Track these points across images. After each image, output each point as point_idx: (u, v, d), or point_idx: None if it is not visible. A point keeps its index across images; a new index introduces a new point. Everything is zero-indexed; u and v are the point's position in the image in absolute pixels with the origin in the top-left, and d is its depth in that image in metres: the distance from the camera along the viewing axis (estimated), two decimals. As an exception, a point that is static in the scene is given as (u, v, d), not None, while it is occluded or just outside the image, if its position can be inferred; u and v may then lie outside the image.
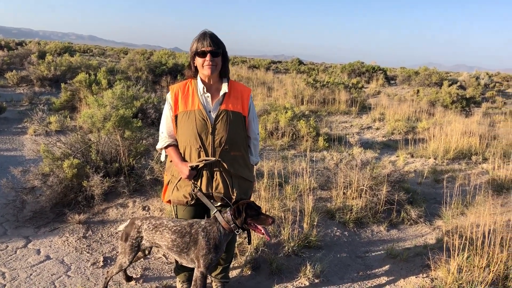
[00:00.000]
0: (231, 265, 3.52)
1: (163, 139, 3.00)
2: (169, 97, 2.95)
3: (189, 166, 2.82)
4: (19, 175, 4.90)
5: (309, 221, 4.34)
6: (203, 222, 2.90)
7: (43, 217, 4.57)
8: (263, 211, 2.92)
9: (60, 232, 4.27)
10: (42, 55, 16.07)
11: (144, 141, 5.45)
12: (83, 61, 14.22)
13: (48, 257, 3.83)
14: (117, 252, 3.94)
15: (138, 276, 3.59)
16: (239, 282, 3.57)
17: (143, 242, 3.00)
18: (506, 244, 3.49)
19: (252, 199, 4.34)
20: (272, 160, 6.20)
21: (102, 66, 14.11)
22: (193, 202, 2.94)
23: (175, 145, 2.98)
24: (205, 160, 2.81)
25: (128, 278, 3.47)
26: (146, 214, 4.65)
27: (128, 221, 3.13)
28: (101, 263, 3.77)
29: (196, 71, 2.90)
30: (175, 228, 2.89)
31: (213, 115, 2.83)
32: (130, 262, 3.06)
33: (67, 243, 4.07)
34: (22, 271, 3.57)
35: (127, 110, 5.07)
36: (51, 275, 3.54)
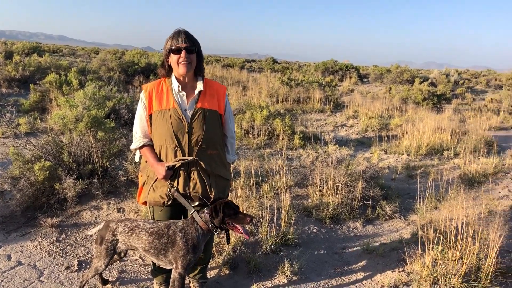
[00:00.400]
0: (209, 265, 3.49)
1: (138, 139, 2.94)
2: (142, 96, 2.88)
3: (166, 166, 2.77)
4: (-13, 179, 4.73)
5: (286, 219, 4.35)
6: (180, 222, 2.86)
7: (13, 222, 4.43)
8: (241, 210, 2.90)
9: (32, 237, 4.15)
10: (9, 55, 15.61)
11: (117, 142, 5.35)
12: (53, 61, 13.87)
13: (19, 263, 3.72)
14: (92, 256, 3.85)
15: (114, 279, 3.53)
16: (217, 282, 3.54)
17: (119, 245, 2.95)
18: (478, 237, 3.57)
19: (229, 198, 4.32)
20: (249, 159, 6.20)
21: (73, 66, 13.79)
22: (170, 202, 2.90)
23: (150, 145, 2.92)
24: (182, 159, 2.77)
25: (104, 282, 3.40)
26: (121, 216, 4.57)
27: (102, 224, 3.06)
28: (76, 267, 3.68)
29: (170, 69, 2.85)
30: (152, 229, 2.85)
31: (189, 114, 2.79)
32: (106, 266, 3.00)
33: (40, 248, 3.96)
34: (-7, 278, 3.45)
35: (100, 110, 4.96)
36: (23, 281, 3.43)
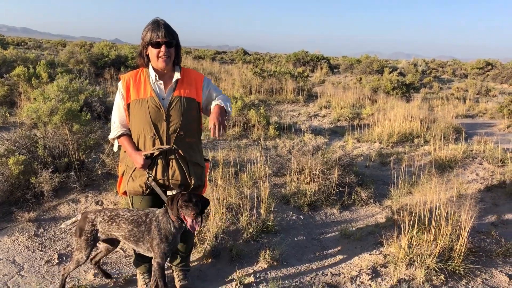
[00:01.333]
0: (191, 254, 3.53)
1: (115, 129, 2.94)
2: (120, 86, 2.88)
3: (144, 155, 2.80)
4: (-41, 175, 4.61)
5: (266, 207, 4.42)
6: (157, 211, 2.89)
7: (-12, 217, 4.35)
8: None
9: (9, 232, 4.08)
10: (-29, 48, 15.07)
11: (93, 135, 5.29)
12: (19, 54, 13.46)
13: (-3, 258, 3.67)
14: (72, 248, 3.82)
15: (96, 271, 3.52)
16: (200, 270, 3.59)
17: (99, 235, 2.95)
18: (450, 219, 3.73)
19: (209, 188, 4.36)
20: (226, 149, 6.23)
21: (40, 59, 13.42)
22: (148, 191, 2.92)
23: (128, 135, 2.93)
24: (160, 148, 2.80)
25: (107, 276, 3.41)
26: (99, 208, 4.54)
27: (79, 215, 3.06)
28: (56, 261, 3.65)
29: (148, 60, 2.85)
30: (131, 218, 2.87)
31: (167, 102, 2.81)
32: (87, 257, 3.00)
33: (18, 243, 3.91)
34: (-30, 274, 3.39)
35: (74, 103, 4.90)
36: (3, 276, 3.39)
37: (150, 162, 2.84)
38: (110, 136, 3.01)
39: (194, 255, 3.73)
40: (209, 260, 3.72)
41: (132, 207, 3.08)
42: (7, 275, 3.41)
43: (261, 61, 27.13)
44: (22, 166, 4.42)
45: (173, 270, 3.38)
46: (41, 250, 3.82)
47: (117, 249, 3.86)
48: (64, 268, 3.12)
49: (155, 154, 2.83)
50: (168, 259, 3.36)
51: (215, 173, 4.81)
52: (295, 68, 19.26)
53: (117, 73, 13.65)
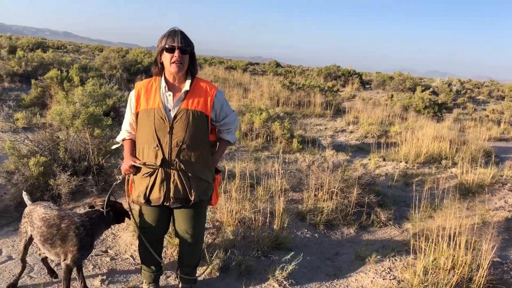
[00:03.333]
0: (199, 266, 3.47)
1: (122, 133, 3.06)
2: (132, 94, 2.92)
3: (132, 163, 2.86)
4: (-18, 173, 4.74)
5: (279, 223, 4.34)
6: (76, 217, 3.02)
7: (6, 216, 4.43)
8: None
9: (24, 232, 4.14)
10: (13, 50, 15.66)
11: (114, 140, 5.35)
12: (56, 58, 13.90)
13: (10, 257, 3.72)
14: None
15: (104, 277, 3.51)
16: (207, 284, 3.53)
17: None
18: (470, 247, 3.55)
19: (223, 199, 4.32)
20: (245, 161, 6.19)
21: (76, 63, 13.82)
22: (142, 202, 2.90)
23: (131, 140, 3.02)
24: (146, 164, 2.81)
25: (51, 272, 3.49)
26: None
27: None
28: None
29: (162, 68, 2.84)
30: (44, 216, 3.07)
31: (172, 114, 2.79)
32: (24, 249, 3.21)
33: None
34: (-18, 272, 3.45)
35: (98, 107, 4.97)
36: (13, 276, 3.42)
37: (134, 171, 2.89)
38: (116, 139, 3.15)
39: (203, 268, 3.68)
40: (217, 274, 3.66)
41: (140, 216, 3.08)
42: (16, 275, 3.44)
43: (292, 73, 27.09)
44: (42, 167, 4.50)
45: (179, 282, 3.34)
46: (53, 253, 3.84)
47: (127, 256, 3.86)
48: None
49: (142, 168, 2.85)
50: (176, 270, 3.34)
51: (230, 185, 4.76)
52: (326, 82, 19.13)
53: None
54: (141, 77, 14.07)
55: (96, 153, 4.93)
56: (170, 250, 3.88)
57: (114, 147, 3.26)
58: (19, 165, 4.56)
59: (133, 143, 3.00)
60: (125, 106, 8.00)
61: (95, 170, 4.88)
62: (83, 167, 4.85)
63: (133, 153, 2.95)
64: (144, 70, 14.85)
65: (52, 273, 3.46)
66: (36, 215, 3.03)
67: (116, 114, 7.80)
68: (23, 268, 3.35)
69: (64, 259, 2.92)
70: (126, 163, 2.90)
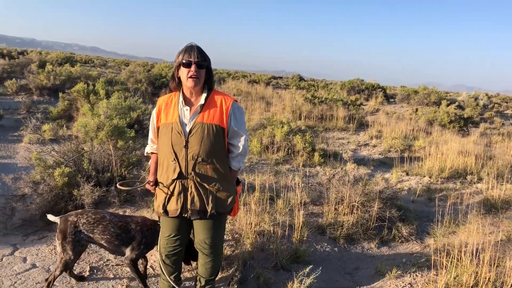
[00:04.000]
0: (217, 278, 3.48)
1: (149, 146, 3.22)
2: (155, 109, 3.02)
3: (153, 183, 3.09)
4: (10, 183, 4.89)
5: (298, 236, 4.31)
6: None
7: (32, 225, 4.55)
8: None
9: (48, 241, 4.24)
10: (42, 65, 16.17)
11: (136, 152, 5.45)
12: (83, 72, 14.30)
13: (34, 265, 3.80)
14: (103, 262, 3.91)
15: (124, 286, 3.56)
16: (225, 296, 3.53)
17: (82, 236, 3.33)
18: (494, 264, 3.46)
19: (242, 212, 4.33)
20: (265, 174, 6.19)
21: (102, 77, 14.17)
22: (161, 212, 3.00)
23: (156, 154, 3.13)
24: (134, 187, 3.13)
25: (80, 278, 3.64)
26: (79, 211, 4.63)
27: (59, 219, 3.40)
28: (88, 273, 3.74)
29: (180, 83, 2.90)
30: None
31: (187, 129, 2.85)
32: (75, 257, 3.38)
33: (55, 252, 4.04)
34: (7, 279, 3.54)
35: (121, 120, 5.08)
36: (36, 283, 3.51)
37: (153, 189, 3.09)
38: (146, 151, 3.30)
39: (221, 279, 3.69)
40: (235, 286, 3.65)
41: (161, 226, 3.13)
42: (39, 283, 3.53)
43: (314, 87, 27.08)
44: (67, 178, 4.61)
45: (196, 293, 3.35)
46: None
47: (148, 266, 3.90)
48: (50, 276, 3.35)
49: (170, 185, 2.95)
50: (195, 281, 3.36)
51: (250, 197, 4.77)
52: (349, 96, 19.04)
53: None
54: (166, 91, 14.31)
55: (119, 164, 5.03)
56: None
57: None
58: (44, 175, 4.69)
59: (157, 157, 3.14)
60: (149, 119, 8.15)
61: (118, 181, 4.97)
62: (106, 178, 4.95)
63: (156, 169, 3.08)
64: (168, 84, 15.10)
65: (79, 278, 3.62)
66: None
67: (140, 127, 7.95)
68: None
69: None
70: (149, 179, 3.12)
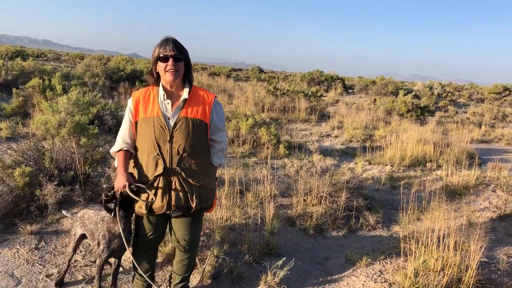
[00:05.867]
0: (192, 274, 3.45)
1: (117, 144, 2.94)
2: (130, 102, 2.89)
3: (128, 186, 2.74)
4: (-34, 185, 4.63)
5: (270, 229, 4.33)
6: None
7: (-9, 228, 4.33)
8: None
9: (10, 244, 4.05)
10: (-8, 59, 15.37)
11: (100, 149, 5.29)
12: (37, 66, 13.69)
13: (-5, 270, 3.63)
14: (72, 264, 3.79)
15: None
16: (199, 292, 3.51)
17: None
18: (459, 248, 3.61)
19: (213, 207, 4.29)
20: (233, 167, 6.17)
21: (57, 71, 13.64)
22: (145, 212, 2.85)
23: (126, 151, 2.91)
24: (141, 186, 2.78)
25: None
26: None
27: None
28: (55, 275, 3.61)
29: (158, 77, 2.84)
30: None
31: (172, 123, 2.78)
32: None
33: (18, 255, 3.87)
34: (-33, 286, 3.37)
35: (83, 116, 4.91)
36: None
37: (129, 190, 2.77)
38: (111, 150, 3.01)
39: (194, 276, 3.65)
40: (209, 282, 3.64)
41: (136, 224, 3.05)
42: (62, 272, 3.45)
43: (275, 79, 27.20)
44: (28, 177, 4.41)
45: (171, 291, 3.31)
46: (40, 264, 3.77)
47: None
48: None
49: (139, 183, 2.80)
50: (169, 279, 3.32)
51: (220, 191, 4.75)
52: (309, 87, 19.25)
53: (132, 87, 13.79)
54: (124, 84, 13.97)
55: (83, 162, 4.86)
56: (161, 259, 3.85)
57: (115, 164, 3.11)
58: (3, 175, 4.48)
59: (127, 155, 2.91)
60: (109, 114, 7.93)
61: (82, 179, 4.82)
62: (69, 176, 4.78)
63: (127, 168, 2.87)
64: (127, 78, 14.74)
65: None
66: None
67: (100, 123, 7.72)
68: (68, 267, 3.55)
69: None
70: (120, 182, 2.78)
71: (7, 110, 9.04)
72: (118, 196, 2.83)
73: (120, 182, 2.78)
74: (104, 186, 3.06)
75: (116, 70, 15.23)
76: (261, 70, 36.83)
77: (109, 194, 2.87)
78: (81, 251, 4.00)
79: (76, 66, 18.93)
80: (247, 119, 8.51)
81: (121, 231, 2.88)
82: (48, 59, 28.38)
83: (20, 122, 8.18)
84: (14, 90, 9.43)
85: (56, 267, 3.74)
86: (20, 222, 4.31)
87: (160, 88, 2.84)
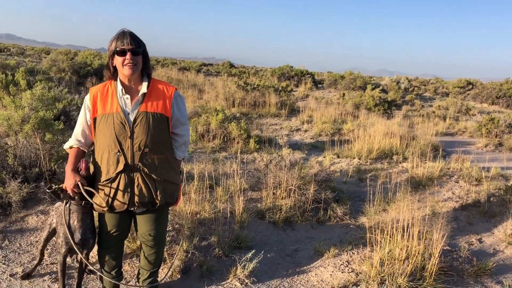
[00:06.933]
0: (160, 269, 3.44)
1: (71, 140, 2.89)
2: (87, 99, 2.81)
3: (78, 187, 2.70)
4: None
5: (239, 222, 4.36)
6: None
7: (-48, 228, 4.20)
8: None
9: (-25, 244, 3.95)
10: (-49, 53, 14.81)
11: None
12: (-1, 61, 13.29)
13: (-42, 271, 3.53)
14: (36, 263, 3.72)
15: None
16: (168, 286, 3.50)
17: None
18: (422, 237, 3.72)
19: (182, 202, 4.29)
20: (203, 162, 6.16)
21: (21, 66, 13.26)
22: (106, 209, 2.81)
23: (78, 148, 2.86)
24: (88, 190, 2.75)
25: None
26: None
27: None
28: (20, 274, 3.53)
29: (115, 71, 2.78)
30: None
31: (131, 118, 2.74)
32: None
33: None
34: None
35: (48, 112, 4.80)
36: None
37: (79, 191, 2.72)
38: (64, 146, 2.97)
39: (163, 271, 3.64)
40: (179, 276, 3.64)
41: (99, 221, 3.00)
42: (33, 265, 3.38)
43: (246, 74, 27.20)
44: (-10, 175, 4.30)
45: (139, 287, 3.29)
46: (4, 263, 3.68)
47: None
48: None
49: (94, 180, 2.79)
50: (137, 275, 3.30)
51: (189, 186, 4.74)
52: (280, 82, 19.35)
53: (100, 82, 13.53)
54: (92, 79, 13.71)
55: (48, 158, 4.76)
56: (130, 255, 3.83)
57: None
58: (-36, 174, 4.35)
59: (79, 153, 2.85)
60: (75, 110, 7.77)
61: (48, 176, 4.72)
62: (34, 173, 4.67)
63: (76, 167, 2.77)
64: (94, 73, 14.46)
65: None
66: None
67: (66, 118, 7.55)
68: (40, 260, 3.53)
69: None
70: (70, 181, 2.70)
71: (-32, 106, 8.74)
72: (69, 193, 2.77)
73: (70, 183, 2.71)
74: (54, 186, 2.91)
75: (83, 65, 14.92)
76: (231, 65, 36.76)
77: (54, 187, 2.83)
78: (47, 249, 3.93)
79: (42, 61, 18.42)
80: (217, 114, 8.50)
81: (65, 224, 2.84)
82: (12, 53, 27.53)
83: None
84: (-26, 85, 9.12)
85: (21, 265, 3.66)
86: (-17, 221, 4.20)
87: (118, 83, 2.77)
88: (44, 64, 15.01)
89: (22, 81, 8.96)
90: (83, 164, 2.78)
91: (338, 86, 23.22)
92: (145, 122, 2.73)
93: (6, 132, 5.35)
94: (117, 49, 2.65)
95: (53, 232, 3.35)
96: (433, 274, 3.56)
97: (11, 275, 3.51)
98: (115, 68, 2.76)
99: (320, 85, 26.38)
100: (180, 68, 27.22)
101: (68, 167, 2.76)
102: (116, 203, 2.79)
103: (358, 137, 8.79)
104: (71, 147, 2.89)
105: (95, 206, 2.85)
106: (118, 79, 2.79)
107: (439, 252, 3.62)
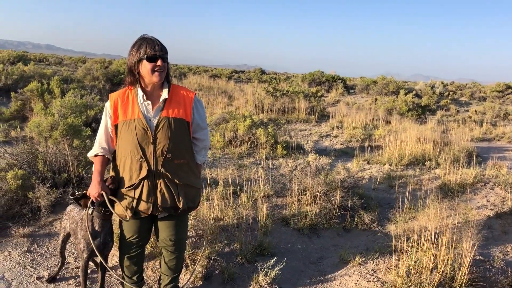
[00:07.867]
0: (181, 275, 3.42)
1: (94, 148, 2.92)
2: (108, 106, 2.83)
3: (102, 196, 2.74)
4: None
5: (263, 229, 4.31)
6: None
7: (-15, 230, 4.33)
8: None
9: (2, 247, 4.05)
10: (-7, 64, 15.45)
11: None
12: (37, 70, 13.75)
13: (-13, 273, 3.63)
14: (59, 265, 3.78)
15: None
16: (190, 293, 3.49)
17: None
18: (452, 246, 3.57)
19: (206, 207, 4.28)
20: (228, 168, 6.15)
21: (57, 75, 13.69)
22: (130, 215, 2.81)
23: (103, 156, 2.89)
24: (112, 200, 2.78)
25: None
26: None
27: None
28: (46, 278, 3.60)
29: (138, 77, 2.78)
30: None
31: (154, 124, 2.75)
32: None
33: (9, 258, 3.87)
34: (-42, 289, 3.36)
35: (76, 118, 4.91)
36: None
37: (101, 200, 2.78)
38: (88, 155, 3.00)
39: (186, 276, 3.63)
40: (200, 283, 3.61)
41: (120, 227, 3.02)
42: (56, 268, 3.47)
43: (276, 80, 27.18)
44: (21, 180, 4.41)
45: (161, 292, 3.29)
46: (31, 267, 3.77)
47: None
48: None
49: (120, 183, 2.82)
50: (158, 280, 3.30)
51: (213, 192, 4.73)
52: (310, 88, 19.21)
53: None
54: (124, 87, 13.99)
55: (76, 164, 4.86)
56: (152, 260, 3.84)
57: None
58: (-4, 179, 4.48)
59: (104, 160, 2.90)
60: (107, 117, 7.94)
61: (75, 181, 4.81)
62: (63, 179, 4.78)
63: (103, 176, 2.84)
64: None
65: None
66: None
67: (97, 125, 7.73)
68: (62, 263, 3.60)
69: None
70: (95, 189, 2.77)
71: (6, 114, 9.08)
72: (94, 200, 2.82)
73: (94, 191, 2.77)
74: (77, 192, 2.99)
75: (116, 73, 15.28)
76: (263, 72, 36.84)
77: (77, 193, 2.90)
78: (73, 253, 3.99)
79: (77, 70, 18.98)
80: (244, 120, 8.49)
81: (88, 230, 2.87)
82: (50, 63, 28.50)
83: (17, 126, 8.20)
84: (12, 94, 9.48)
85: (47, 269, 3.74)
86: (13, 225, 4.31)
87: (139, 89, 2.77)
88: (79, 73, 15.45)
89: (56, 89, 9.24)
90: (110, 180, 2.84)
91: (370, 91, 22.85)
92: (167, 127, 2.73)
93: (38, 139, 5.51)
94: (148, 55, 2.65)
95: (67, 235, 3.44)
96: (463, 285, 3.41)
97: (37, 278, 3.58)
98: (139, 74, 2.77)
99: (351, 91, 26.05)
100: (212, 76, 27.47)
101: (95, 176, 2.81)
102: (140, 207, 2.80)
103: (389, 142, 8.58)
104: (96, 155, 2.92)
105: (119, 213, 2.85)
106: (138, 85, 2.80)
107: (469, 262, 3.46)
